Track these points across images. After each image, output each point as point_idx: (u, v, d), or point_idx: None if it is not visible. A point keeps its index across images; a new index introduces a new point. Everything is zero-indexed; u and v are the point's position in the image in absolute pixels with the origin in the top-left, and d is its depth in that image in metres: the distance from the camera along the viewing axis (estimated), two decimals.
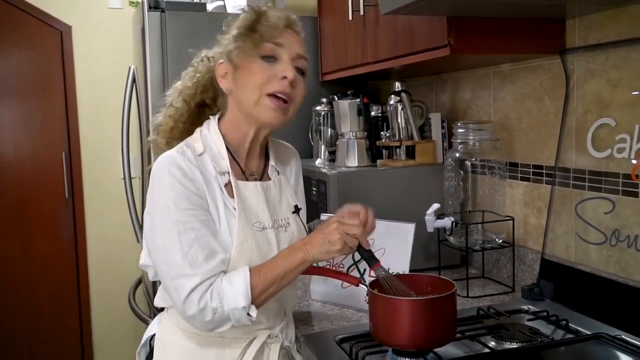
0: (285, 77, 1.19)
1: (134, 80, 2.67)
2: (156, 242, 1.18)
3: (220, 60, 1.26)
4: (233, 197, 1.22)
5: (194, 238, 1.14)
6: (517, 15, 1.53)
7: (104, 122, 3.39)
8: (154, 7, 2.37)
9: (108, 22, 3.38)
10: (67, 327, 3.47)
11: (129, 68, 2.68)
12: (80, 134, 3.42)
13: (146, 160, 2.59)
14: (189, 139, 1.28)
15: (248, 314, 1.15)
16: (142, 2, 2.42)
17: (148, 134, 2.48)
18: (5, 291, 3.31)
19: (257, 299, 1.16)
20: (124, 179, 2.77)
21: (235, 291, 1.14)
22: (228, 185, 1.23)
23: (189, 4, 2.50)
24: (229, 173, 1.23)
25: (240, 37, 1.22)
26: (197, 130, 1.30)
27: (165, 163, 1.19)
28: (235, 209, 1.21)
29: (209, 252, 1.15)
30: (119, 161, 2.82)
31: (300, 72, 1.24)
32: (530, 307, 1.54)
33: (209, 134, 1.28)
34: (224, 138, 1.27)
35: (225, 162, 1.24)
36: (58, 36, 3.34)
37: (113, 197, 3.42)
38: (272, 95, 1.19)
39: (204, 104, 1.36)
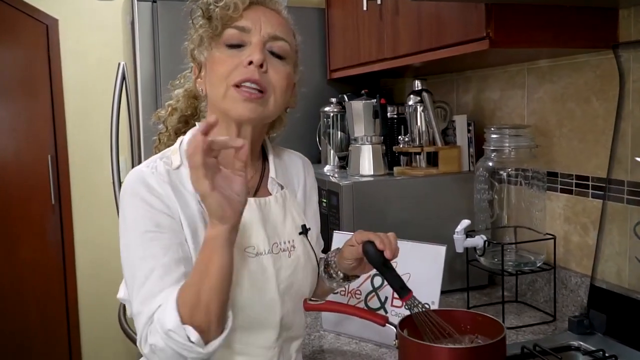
0: (251, 62, 0.98)
1: (123, 78, 2.46)
2: (124, 271, 0.99)
3: (191, 63, 1.10)
4: None
5: (151, 268, 0.94)
6: (564, 3, 1.32)
7: (92, 123, 3.19)
8: None
9: (97, 15, 3.16)
10: (54, 335, 3.29)
11: (119, 64, 2.47)
12: (68, 135, 3.22)
13: (137, 163, 2.39)
14: (166, 150, 1.08)
15: (191, 341, 0.87)
16: None
17: (139, 135, 2.28)
18: None
19: (193, 314, 0.88)
20: (113, 183, 2.58)
21: (164, 313, 0.89)
22: None
23: None
24: None
25: (199, 29, 1.04)
26: (179, 139, 1.09)
27: (130, 180, 1.00)
28: None
29: (169, 284, 0.94)
30: (108, 164, 2.62)
31: (278, 55, 1.03)
32: (581, 343, 1.32)
33: None
34: None
35: None
36: (44, 30, 3.13)
37: (103, 202, 3.21)
38: (240, 86, 0.99)
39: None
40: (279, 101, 1.04)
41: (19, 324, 3.18)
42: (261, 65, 0.99)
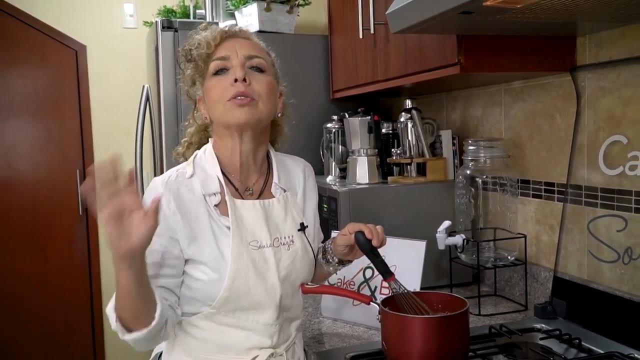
0: (236, 80, 1.22)
1: (147, 99, 2.70)
2: None
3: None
4: (227, 215, 1.22)
5: None
6: (527, 33, 1.54)
7: (117, 140, 3.41)
8: (167, 27, 2.41)
9: (122, 42, 3.41)
10: (79, 342, 3.46)
11: (143, 87, 2.71)
12: (95, 150, 3.45)
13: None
14: (184, 163, 1.31)
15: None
16: (156, 22, 2.46)
17: (161, 151, 2.52)
18: (19, 305, 3.33)
19: (118, 307, 1.08)
20: None
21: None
22: (221, 204, 1.24)
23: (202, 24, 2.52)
24: (221, 193, 1.24)
25: (188, 72, 1.29)
26: (194, 153, 1.32)
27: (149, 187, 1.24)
28: (228, 228, 1.21)
29: None
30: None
31: (257, 69, 1.26)
32: (543, 325, 1.53)
33: (204, 155, 1.30)
34: (218, 161, 1.29)
35: (215, 183, 1.25)
36: (73, 55, 3.38)
37: None
38: (233, 99, 1.22)
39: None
40: (266, 104, 1.25)
41: (44, 330, 3.36)
42: (245, 80, 1.22)
